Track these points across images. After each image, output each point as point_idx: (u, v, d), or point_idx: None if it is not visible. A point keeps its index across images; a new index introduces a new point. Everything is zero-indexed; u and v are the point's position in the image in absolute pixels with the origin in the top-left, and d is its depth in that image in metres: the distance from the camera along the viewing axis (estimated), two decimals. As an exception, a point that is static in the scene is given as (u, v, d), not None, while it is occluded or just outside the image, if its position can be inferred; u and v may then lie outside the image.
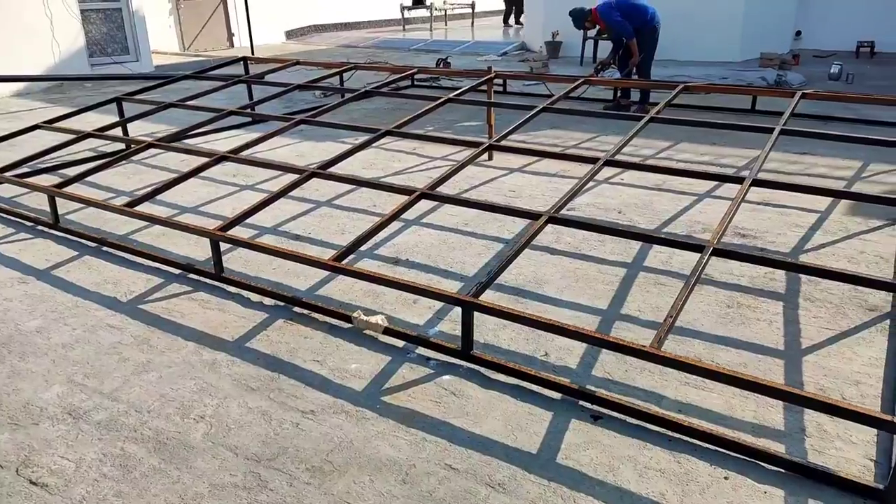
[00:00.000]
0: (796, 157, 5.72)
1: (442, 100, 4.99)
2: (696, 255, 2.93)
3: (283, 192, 3.81)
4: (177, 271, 3.68)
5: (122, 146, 5.60)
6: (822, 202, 4.54)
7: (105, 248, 4.00)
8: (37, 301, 3.38)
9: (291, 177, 5.08)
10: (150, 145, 4.66)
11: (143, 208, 3.91)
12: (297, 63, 6.81)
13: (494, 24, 19.08)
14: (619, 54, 7.44)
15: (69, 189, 4.28)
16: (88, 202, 4.10)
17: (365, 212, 4.57)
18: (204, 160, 4.30)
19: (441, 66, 10.66)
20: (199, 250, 3.95)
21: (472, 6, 18.23)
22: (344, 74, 7.28)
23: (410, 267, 3.71)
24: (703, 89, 5.65)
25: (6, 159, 5.06)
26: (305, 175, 3.97)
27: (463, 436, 2.34)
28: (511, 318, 2.63)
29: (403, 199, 3.62)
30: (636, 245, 3.89)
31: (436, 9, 17.78)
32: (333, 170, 4.16)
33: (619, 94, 7.63)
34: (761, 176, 3.71)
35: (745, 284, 3.41)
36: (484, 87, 5.63)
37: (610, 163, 3.97)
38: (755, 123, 4.97)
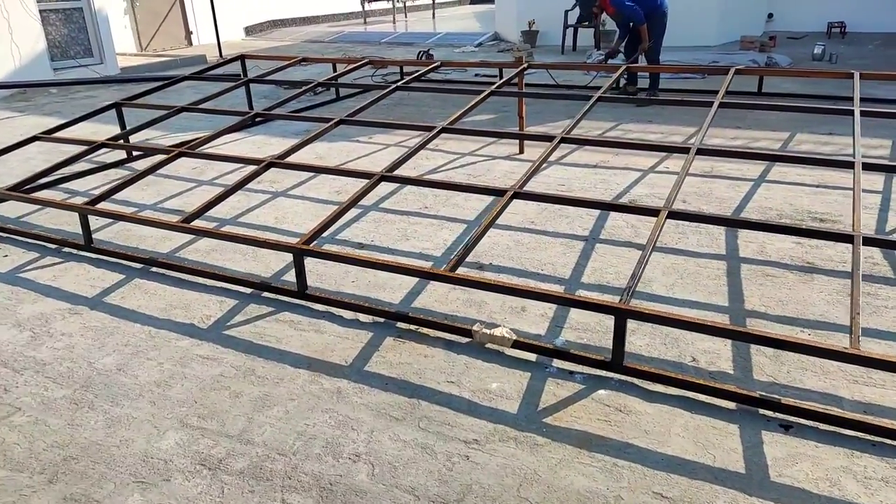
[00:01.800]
0: (817, 137, 5.73)
1: (486, 92, 4.76)
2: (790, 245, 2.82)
3: (356, 200, 3.53)
4: (247, 290, 3.37)
5: (120, 156, 5.18)
6: (877, 180, 4.54)
7: (154, 270, 3.64)
8: (103, 334, 3.02)
9: (340, 182, 4.81)
10: (179, 154, 4.28)
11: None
12: (304, 60, 6.45)
13: (455, 14, 18.85)
14: (626, 40, 7.35)
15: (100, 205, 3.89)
16: (136, 220, 3.74)
17: (420, 214, 4.32)
18: (252, 168, 3.97)
19: (423, 58, 10.39)
20: (259, 266, 3.64)
21: (433, -3, 17.99)
22: (338, 70, 6.95)
23: (497, 271, 3.50)
24: (754, 72, 5.58)
25: None
26: (375, 179, 3.69)
27: (655, 458, 2.16)
28: (671, 324, 2.47)
29: (463, 199, 3.41)
30: (720, 233, 3.78)
31: (397, 1, 17.42)
32: (397, 172, 3.90)
33: (626, 82, 7.53)
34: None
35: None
36: (514, 80, 5.41)
37: (671, 149, 3.84)
38: (802, 104, 4.94)
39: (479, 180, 4.93)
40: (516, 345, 2.73)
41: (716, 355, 2.67)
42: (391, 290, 3.33)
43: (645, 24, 6.93)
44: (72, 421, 2.43)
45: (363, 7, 17.10)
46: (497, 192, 3.46)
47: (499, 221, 4.12)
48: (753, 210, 4.18)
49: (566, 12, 10.94)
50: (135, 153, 5.58)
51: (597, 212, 4.18)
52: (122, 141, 4.92)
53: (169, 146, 4.97)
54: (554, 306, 3.07)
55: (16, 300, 3.37)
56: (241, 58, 6.93)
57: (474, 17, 17.99)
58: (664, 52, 7.62)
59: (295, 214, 4.41)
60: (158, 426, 2.40)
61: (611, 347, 2.57)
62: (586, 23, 10.96)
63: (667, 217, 3.13)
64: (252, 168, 3.93)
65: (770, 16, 11.79)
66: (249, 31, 15.53)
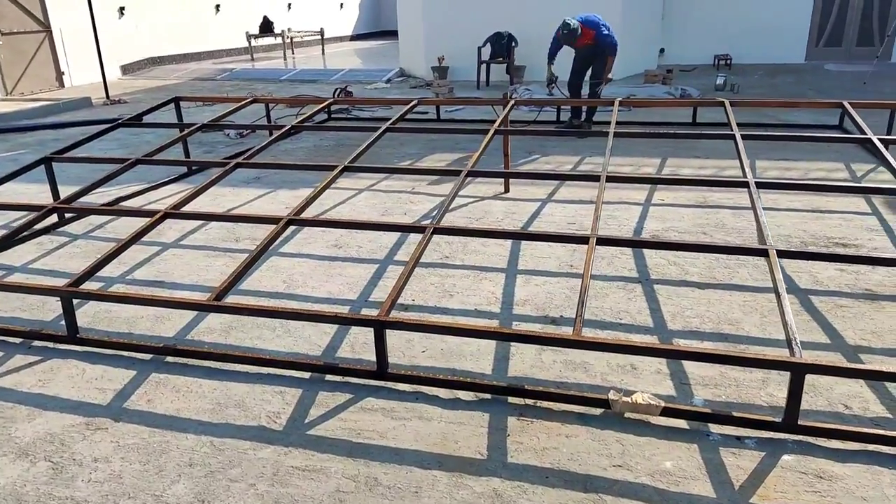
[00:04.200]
0: (775, 164, 6.01)
1: (492, 131, 4.49)
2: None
3: (416, 260, 3.11)
4: (304, 374, 2.83)
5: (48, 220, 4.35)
6: (860, 203, 4.76)
7: (170, 360, 2.99)
8: (151, 454, 2.38)
9: (334, 235, 4.31)
10: (166, 215, 3.62)
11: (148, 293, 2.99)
12: (255, 101, 5.84)
13: (339, 51, 18.46)
14: (573, 73, 7.39)
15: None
16: (146, 300, 3.10)
17: (446, 265, 3.93)
18: (271, 227, 3.42)
19: (341, 95, 9.96)
20: (300, 343, 3.11)
21: (322, 33, 17.46)
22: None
23: (572, 325, 3.21)
24: (638, 104, 5.74)
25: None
26: (420, 230, 3.29)
27: (898, 529, 1.96)
28: (851, 375, 2.30)
29: (480, 244, 3.13)
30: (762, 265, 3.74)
31: (285, 37, 16.79)
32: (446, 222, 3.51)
33: (571, 116, 7.58)
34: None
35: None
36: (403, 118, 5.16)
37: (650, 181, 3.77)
38: (720, 132, 5.12)
39: (482, 223, 4.64)
40: (665, 412, 2.46)
41: (862, 399, 2.55)
42: (473, 358, 2.94)
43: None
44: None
45: (250, 43, 16.29)
46: (497, 234, 3.18)
47: (534, 266, 3.85)
48: (779, 238, 4.21)
49: (479, 48, 10.98)
50: (67, 215, 4.74)
51: (616, 249, 4.02)
52: (67, 203, 4.10)
53: (144, 208, 4.24)
54: (664, 360, 2.84)
55: (4, 419, 2.61)
56: (176, 100, 6.17)
57: (356, 55, 17.71)
58: (564, 86, 7.75)
59: (302, 276, 3.87)
60: (299, 575, 1.87)
61: (749, 403, 2.37)
62: (500, 59, 11.10)
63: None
64: (272, 227, 3.38)
65: (662, 51, 12.54)
66: (126, 69, 14.24)
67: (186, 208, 3.81)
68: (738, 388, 2.65)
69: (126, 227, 4.76)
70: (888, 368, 2.35)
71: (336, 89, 10.27)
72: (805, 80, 10.64)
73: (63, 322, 3.33)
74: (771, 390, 2.63)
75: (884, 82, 10.04)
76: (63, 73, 12.65)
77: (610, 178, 3.71)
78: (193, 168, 6.08)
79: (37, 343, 3.17)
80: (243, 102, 5.73)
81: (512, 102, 5.16)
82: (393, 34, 23.37)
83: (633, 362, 2.84)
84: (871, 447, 2.28)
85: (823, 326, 3.11)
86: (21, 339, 3.20)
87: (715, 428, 2.42)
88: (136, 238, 3.42)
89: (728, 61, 11.93)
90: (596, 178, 3.67)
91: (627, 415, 2.50)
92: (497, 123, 4.66)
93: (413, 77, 12.63)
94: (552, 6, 10.91)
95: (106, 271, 3.99)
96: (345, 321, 2.84)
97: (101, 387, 2.80)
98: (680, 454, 2.30)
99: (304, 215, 3.67)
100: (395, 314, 3.28)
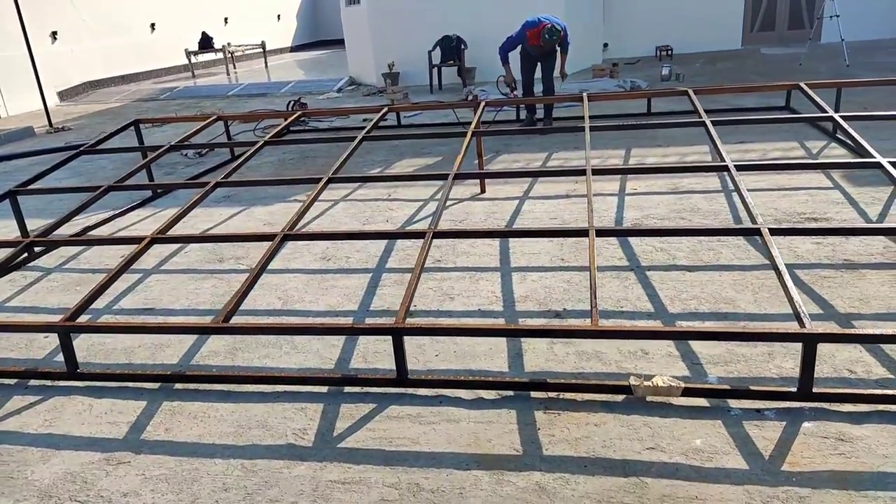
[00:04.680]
0: (734, 147, 6.24)
1: (469, 133, 4.52)
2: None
3: (419, 266, 3.12)
4: (322, 389, 2.81)
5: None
6: (821, 179, 4.99)
7: (179, 387, 2.93)
8: (181, 483, 2.33)
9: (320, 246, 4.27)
10: (153, 241, 3.53)
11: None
12: (220, 119, 5.73)
13: (280, 64, 18.24)
14: (528, 70, 7.51)
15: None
16: (156, 329, 3.00)
17: (440, 269, 3.96)
18: (266, 244, 3.37)
19: (295, 107, 9.85)
20: (310, 358, 3.08)
21: (263, 45, 17.22)
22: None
23: (581, 316, 3.28)
24: (603, 98, 5.91)
25: None
26: (426, 238, 3.30)
27: (923, 480, 2.07)
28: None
29: (469, 245, 3.19)
30: (743, 244, 3.89)
31: (225, 52, 16.50)
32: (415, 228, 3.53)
33: (528, 113, 7.69)
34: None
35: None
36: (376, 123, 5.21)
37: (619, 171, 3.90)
38: (687, 120, 5.30)
39: (466, 224, 4.67)
40: (686, 392, 2.54)
41: (864, 364, 2.68)
42: (487, 357, 2.97)
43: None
44: None
45: (190, 60, 15.94)
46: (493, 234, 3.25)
47: (526, 263, 3.91)
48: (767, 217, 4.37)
49: (430, 53, 11.03)
50: (36, 249, 4.56)
51: (602, 239, 4.11)
52: (40, 236, 3.95)
53: (128, 235, 4.11)
54: (672, 343, 2.93)
55: (17, 463, 2.51)
56: (136, 123, 6.00)
57: (300, 66, 17.54)
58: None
59: (297, 291, 3.83)
60: (362, 587, 1.86)
61: (760, 376, 2.47)
62: (450, 62, 11.17)
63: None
64: (257, 244, 3.34)
65: (605, 45, 12.83)
66: (64, 95, 13.75)
67: (171, 232, 3.72)
68: (747, 364, 2.75)
69: (99, 256, 4.63)
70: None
71: (289, 102, 10.14)
72: (745, 66, 11.04)
73: (57, 358, 3.24)
74: (778, 362, 2.74)
75: (817, 63, 10.50)
76: (-4, 103, 12.16)
77: (596, 171, 3.80)
78: (158, 191, 5.94)
79: (33, 382, 3.06)
80: (208, 121, 5.63)
81: (483, 104, 5.21)
82: (333, 43, 23.38)
83: (643, 347, 2.92)
84: (881, 407, 2.41)
85: (813, 298, 3.26)
86: (16, 380, 3.08)
87: (734, 403, 2.51)
88: (125, 267, 3.33)
89: (669, 52, 12.29)
90: (582, 173, 3.75)
91: (649, 398, 2.57)
92: (473, 125, 4.70)
93: (364, 84, 12.60)
94: (497, 8, 11.06)
95: (95, 303, 3.87)
96: (362, 331, 2.84)
97: (112, 420, 2.72)
98: (706, 431, 2.38)
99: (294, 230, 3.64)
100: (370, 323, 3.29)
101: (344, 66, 13.82)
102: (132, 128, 6.23)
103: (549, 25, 6.80)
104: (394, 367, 2.93)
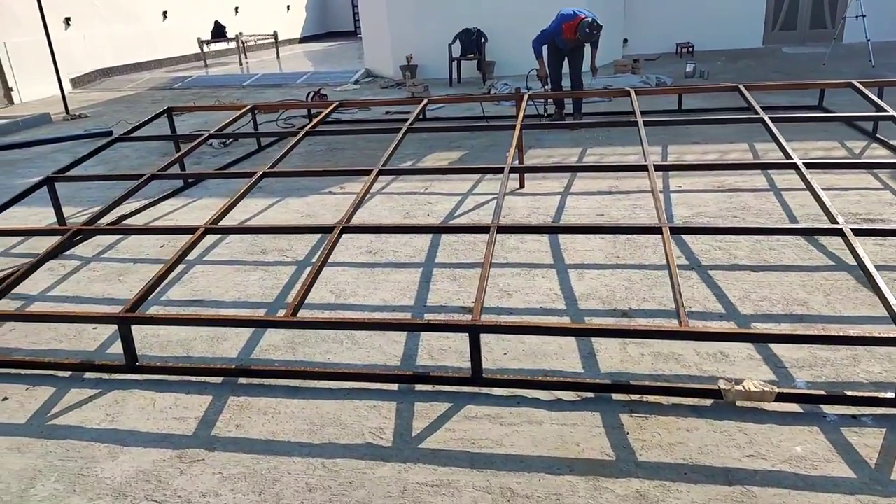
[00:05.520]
0: (774, 145, 6.14)
1: (518, 126, 4.43)
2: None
3: (495, 259, 3.02)
4: (392, 386, 2.73)
5: (47, 243, 4.08)
6: (870, 179, 4.91)
7: (243, 381, 2.84)
8: (261, 482, 2.24)
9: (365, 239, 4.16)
10: (207, 231, 3.43)
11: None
12: (255, 108, 5.63)
13: (290, 55, 18.07)
14: (557, 64, 7.40)
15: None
16: (226, 322, 2.91)
17: (493, 264, 3.87)
18: (326, 237, 3.27)
19: (316, 98, 9.74)
20: (373, 354, 3.00)
21: (275, 36, 17.07)
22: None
23: (650, 316, 3.19)
24: (649, 93, 5.86)
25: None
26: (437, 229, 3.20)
27: None
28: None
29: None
30: (804, 244, 3.80)
31: (239, 41, 16.34)
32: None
33: (556, 108, 7.58)
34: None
35: None
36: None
37: (660, 167, 3.79)
38: (744, 116, 5.16)
39: (510, 220, 4.57)
40: (779, 398, 2.45)
41: (959, 370, 2.60)
42: (558, 356, 2.89)
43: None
44: None
45: (202, 49, 15.78)
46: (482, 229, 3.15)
47: (581, 260, 3.82)
48: (811, 218, 4.29)
49: (450, 46, 10.91)
50: (79, 238, 4.45)
51: (652, 237, 4.01)
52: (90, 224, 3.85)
53: (182, 224, 4.00)
54: (752, 346, 2.84)
55: (84, 459, 2.42)
56: (169, 111, 5.88)
57: (311, 57, 17.36)
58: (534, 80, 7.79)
59: (348, 284, 3.74)
60: None
61: (849, 381, 2.40)
62: (471, 55, 11.06)
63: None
64: (298, 237, 3.25)
65: (625, 41, 12.72)
66: (77, 82, 13.60)
67: (222, 223, 3.62)
68: (833, 368, 2.67)
69: (139, 246, 4.52)
70: None
71: (309, 93, 10.03)
72: (766, 64, 10.95)
73: (110, 351, 3.15)
74: (865, 366, 2.66)
75: (840, 62, 10.41)
76: (11, 89, 12.01)
77: (659, 167, 3.71)
78: (189, 181, 5.84)
79: (88, 375, 2.96)
80: (243, 110, 5.52)
81: (526, 97, 5.11)
82: (342, 35, 23.26)
83: (722, 350, 2.84)
84: (981, 415, 2.33)
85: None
86: (70, 372, 2.99)
87: (828, 409, 2.43)
88: (181, 257, 3.23)
89: (690, 49, 12.19)
90: (644, 168, 3.66)
91: (739, 403, 2.49)
92: (520, 119, 4.60)
93: (381, 77, 12.47)
94: (520, 2, 10.96)
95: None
96: (437, 328, 2.75)
97: (179, 416, 2.64)
98: (805, 438, 2.30)
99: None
100: (462, 318, 3.21)
101: (355, 59, 13.69)
102: (147, 118, 6.13)
103: (589, 19, 6.68)
104: (461, 365, 2.86)
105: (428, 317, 3.31)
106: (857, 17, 10.04)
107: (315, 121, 5.03)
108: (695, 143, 6.33)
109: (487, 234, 3.81)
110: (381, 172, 3.96)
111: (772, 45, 12.50)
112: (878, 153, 5.62)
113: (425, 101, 5.27)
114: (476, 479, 2.20)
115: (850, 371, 2.65)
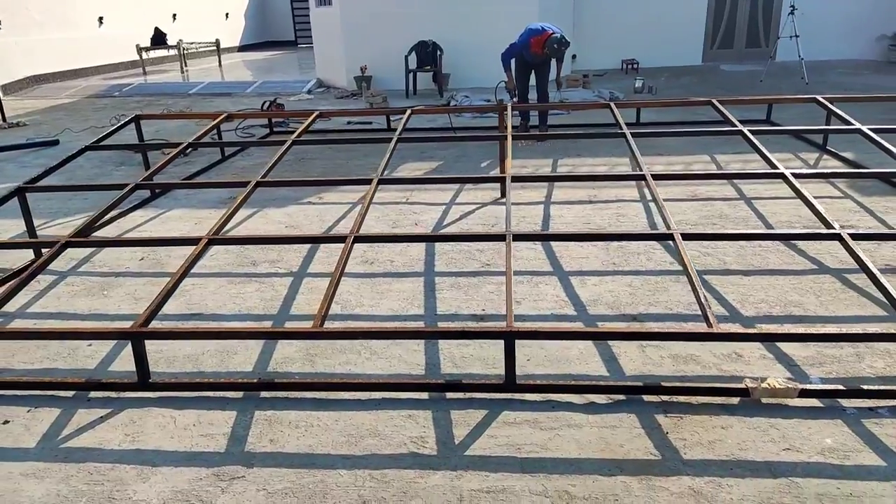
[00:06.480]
0: (734, 157, 6.44)
1: (507, 137, 4.48)
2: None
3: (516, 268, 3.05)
4: (423, 395, 2.71)
5: (17, 258, 3.88)
6: (830, 189, 5.21)
7: (265, 395, 2.75)
8: (313, 497, 2.18)
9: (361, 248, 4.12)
10: (210, 241, 3.32)
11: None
12: (231, 117, 5.47)
13: (229, 64, 17.68)
14: (524, 77, 7.54)
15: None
16: (247, 334, 2.80)
17: (490, 272, 3.89)
18: (339, 246, 3.23)
19: (270, 108, 9.56)
20: (394, 364, 2.97)
21: (217, 43, 16.66)
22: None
23: (657, 320, 3.29)
24: (624, 106, 6.07)
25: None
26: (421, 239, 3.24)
27: None
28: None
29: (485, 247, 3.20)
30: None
31: (179, 49, 15.87)
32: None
33: (522, 120, 7.72)
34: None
35: None
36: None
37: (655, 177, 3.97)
38: (724, 129, 5.45)
39: (498, 228, 4.62)
40: (803, 394, 2.57)
41: (954, 363, 2.80)
42: (581, 361, 2.93)
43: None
44: None
45: (141, 56, 15.24)
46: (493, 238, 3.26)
47: (579, 267, 3.90)
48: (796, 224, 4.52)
49: (406, 57, 10.94)
50: (43, 251, 4.22)
51: (644, 244, 4.16)
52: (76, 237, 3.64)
53: (186, 235, 3.83)
54: (763, 345, 2.97)
55: (112, 482, 2.29)
56: (137, 119, 5.65)
57: (253, 66, 17.03)
58: (487, 92, 7.96)
59: (350, 294, 3.68)
60: None
61: (856, 376, 2.55)
62: (427, 67, 11.12)
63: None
64: (282, 247, 3.21)
65: (574, 57, 13.07)
66: (8, 89, 12.88)
67: (222, 233, 3.52)
68: (840, 364, 2.82)
69: (116, 259, 4.32)
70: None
71: (264, 102, 9.84)
72: (708, 80, 11.47)
73: (112, 368, 3.01)
74: (868, 362, 2.83)
75: (776, 80, 11.02)
76: (-66, 97, 11.26)
77: (657, 177, 3.84)
78: (156, 192, 5.63)
79: (94, 394, 2.81)
80: (219, 119, 5.36)
81: (509, 107, 5.19)
82: (281, 44, 22.91)
83: (736, 350, 2.95)
84: (985, 404, 2.51)
85: (873, 300, 3.38)
86: (74, 392, 2.82)
87: (846, 402, 2.57)
88: (187, 269, 3.11)
89: (635, 65, 12.63)
90: (642, 178, 3.78)
91: (764, 400, 2.59)
92: (509, 130, 4.67)
93: (334, 88, 12.37)
94: (474, 16, 11.12)
95: (130, 308, 3.62)
96: (472, 335, 2.76)
97: (205, 433, 2.53)
98: (832, 430, 2.42)
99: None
100: (476, 325, 3.22)
101: (299, 68, 13.50)
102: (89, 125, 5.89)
103: (558, 35, 6.85)
104: (486, 372, 2.88)
105: (442, 324, 3.31)
106: (790, 37, 10.65)
107: (300, 129, 4.96)
108: (659, 155, 6.55)
109: (492, 243, 3.86)
110: (381, 182, 3.94)
111: (710, 63, 13.11)
112: (830, 164, 5.98)
113: (409, 111, 5.27)
114: (530, 484, 2.21)
115: (856, 367, 2.81)
